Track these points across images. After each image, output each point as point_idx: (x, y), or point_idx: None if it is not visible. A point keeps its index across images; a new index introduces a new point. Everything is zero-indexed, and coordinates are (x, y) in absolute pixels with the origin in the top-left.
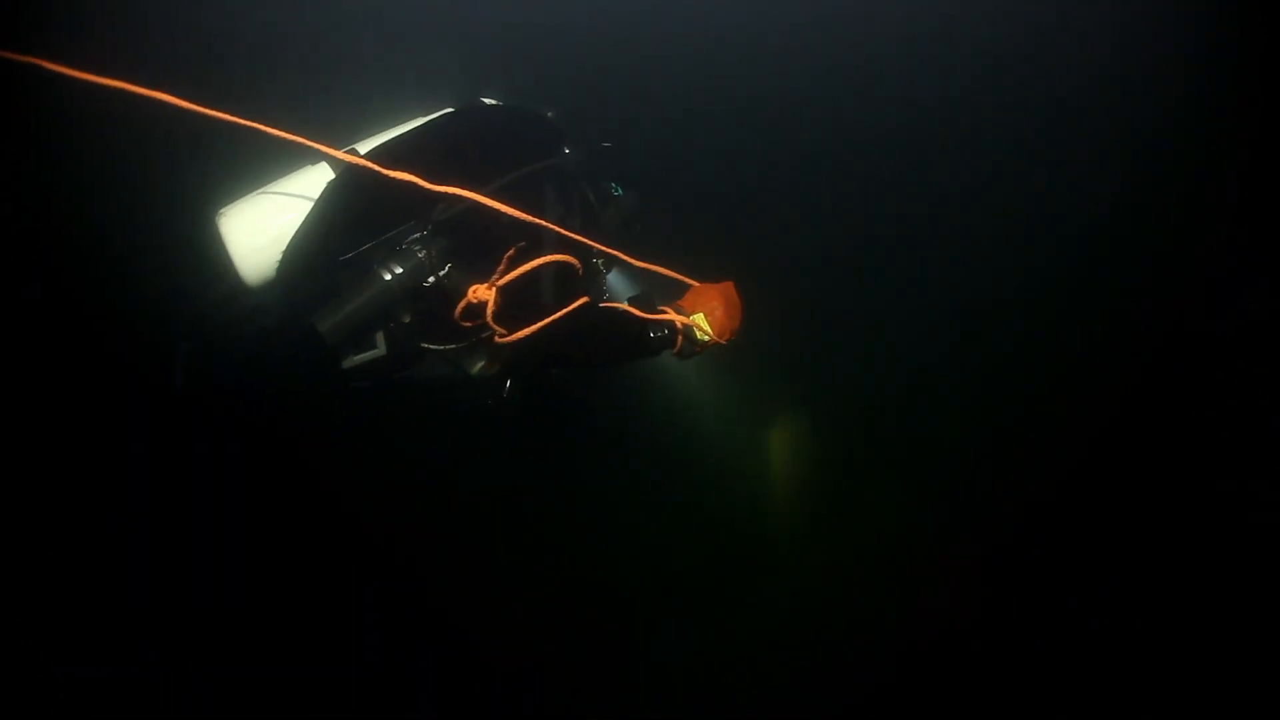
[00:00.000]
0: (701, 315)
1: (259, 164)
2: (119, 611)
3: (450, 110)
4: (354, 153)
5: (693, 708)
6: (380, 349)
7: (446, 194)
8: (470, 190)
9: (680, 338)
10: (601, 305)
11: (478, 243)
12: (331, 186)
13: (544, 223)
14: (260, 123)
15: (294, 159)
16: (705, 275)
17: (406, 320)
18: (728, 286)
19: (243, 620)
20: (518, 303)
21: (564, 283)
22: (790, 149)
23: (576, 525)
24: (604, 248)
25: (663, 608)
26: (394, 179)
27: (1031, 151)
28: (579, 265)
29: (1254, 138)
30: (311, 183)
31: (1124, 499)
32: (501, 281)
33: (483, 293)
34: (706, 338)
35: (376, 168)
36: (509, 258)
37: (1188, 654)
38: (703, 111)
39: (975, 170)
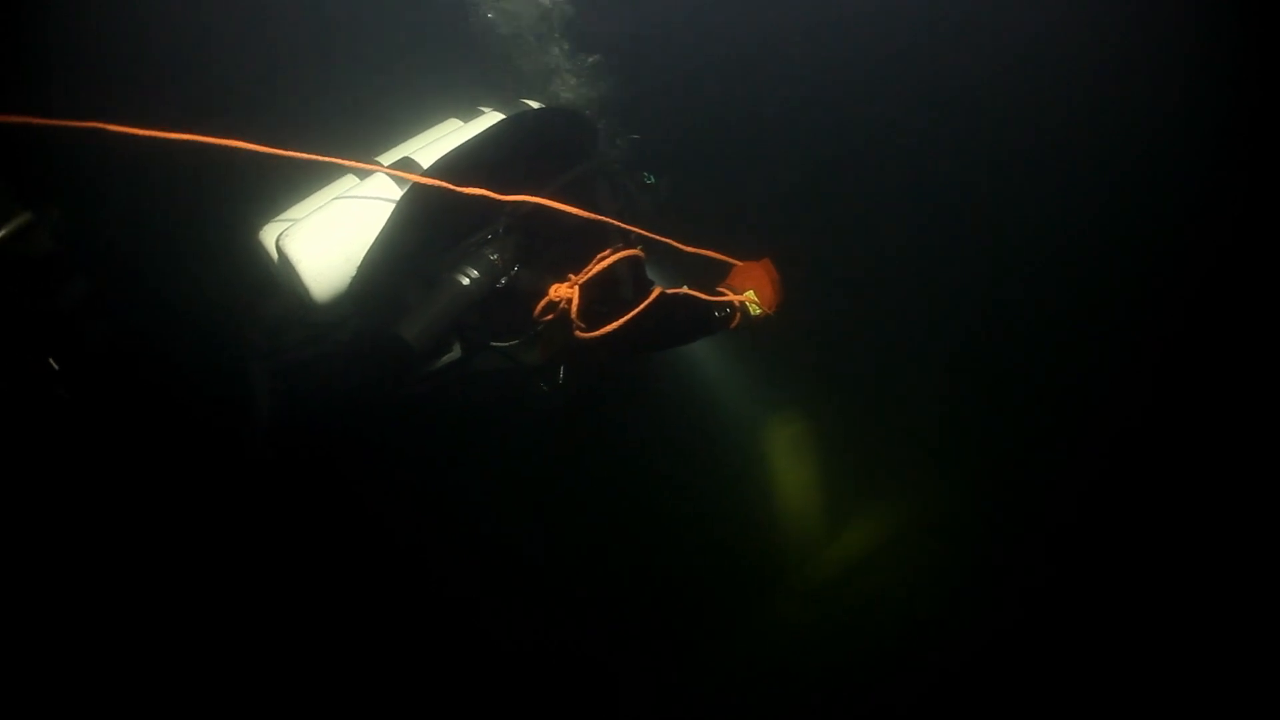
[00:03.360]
0: (752, 291)
1: (300, 179)
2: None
3: (504, 119)
4: (410, 164)
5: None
6: (456, 352)
7: (511, 200)
8: (532, 192)
9: (739, 314)
10: (670, 292)
11: (543, 242)
12: (406, 204)
13: (608, 220)
14: (311, 152)
15: (335, 174)
16: (740, 254)
17: (476, 321)
18: (767, 263)
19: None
20: (598, 299)
21: (637, 275)
22: (803, 147)
23: (619, 516)
24: (660, 237)
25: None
26: (464, 191)
27: (1036, 152)
28: (645, 256)
29: (1255, 138)
30: (373, 197)
31: (1135, 501)
32: (582, 279)
33: (564, 291)
34: (758, 311)
35: (449, 185)
36: (598, 257)
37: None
38: (722, 102)
39: (989, 168)
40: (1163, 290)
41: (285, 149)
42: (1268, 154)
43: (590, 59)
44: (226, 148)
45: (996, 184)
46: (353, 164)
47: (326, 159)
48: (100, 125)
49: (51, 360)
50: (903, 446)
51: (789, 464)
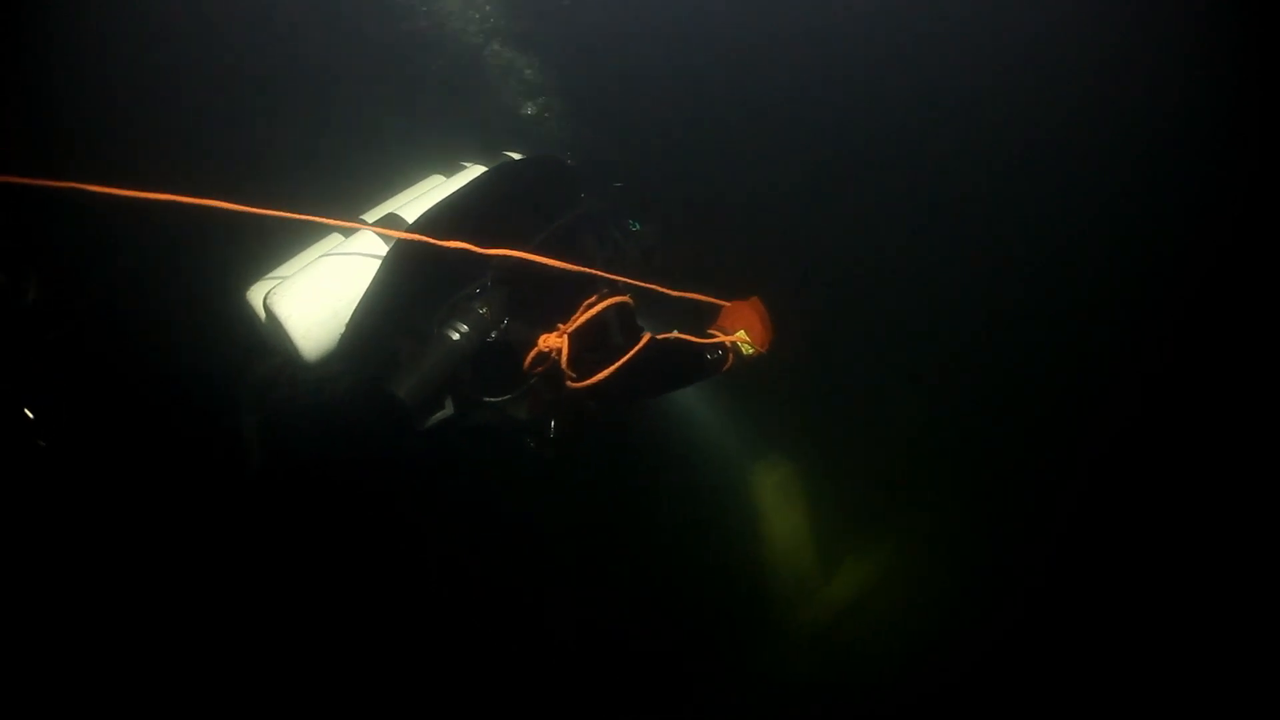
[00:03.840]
0: (743, 331)
1: (285, 238)
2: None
3: (487, 171)
4: (395, 220)
5: None
6: (449, 409)
7: (495, 254)
8: (518, 244)
9: (731, 355)
10: (661, 337)
11: (532, 293)
12: (392, 260)
13: (594, 271)
14: (295, 211)
15: (320, 231)
16: (728, 294)
17: (468, 377)
18: (756, 301)
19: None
20: (588, 347)
21: (626, 322)
22: (791, 156)
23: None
24: (647, 284)
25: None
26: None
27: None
28: (634, 303)
29: (1257, 138)
30: (360, 253)
31: (1137, 503)
32: (571, 329)
33: (554, 341)
34: (750, 351)
35: (432, 241)
36: (585, 304)
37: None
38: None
39: (982, 173)
40: (1163, 291)
41: (269, 209)
42: (1268, 154)
43: (562, 103)
44: (210, 207)
45: (996, 187)
46: (338, 223)
47: (311, 218)
48: (79, 186)
49: (27, 410)
50: (894, 477)
51: (779, 508)
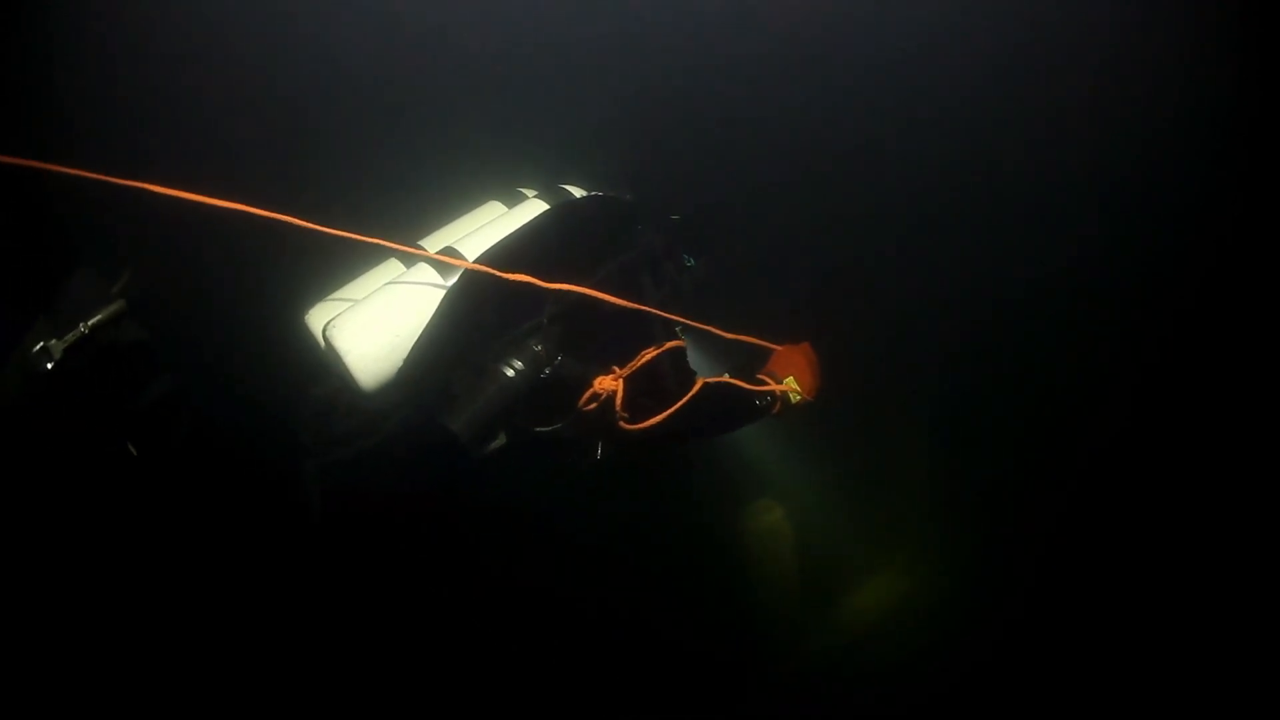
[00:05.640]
0: (792, 378)
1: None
2: None
3: (547, 211)
4: (453, 253)
5: None
6: (502, 439)
7: (557, 289)
8: (576, 282)
9: (779, 403)
10: (711, 382)
11: (586, 331)
12: (454, 294)
13: (652, 310)
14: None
15: (379, 254)
16: (780, 337)
17: (522, 410)
18: (807, 347)
19: None
20: (642, 390)
21: (680, 366)
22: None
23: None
24: (703, 325)
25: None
26: (512, 281)
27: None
28: (687, 346)
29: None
30: (419, 283)
31: (1138, 503)
32: (626, 372)
33: (609, 384)
34: (798, 398)
35: (496, 271)
36: (642, 354)
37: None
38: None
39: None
40: (1160, 293)
41: (334, 228)
42: (1268, 154)
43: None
44: (274, 223)
45: (994, 191)
46: (403, 248)
47: (377, 241)
48: (143, 185)
49: (130, 446)
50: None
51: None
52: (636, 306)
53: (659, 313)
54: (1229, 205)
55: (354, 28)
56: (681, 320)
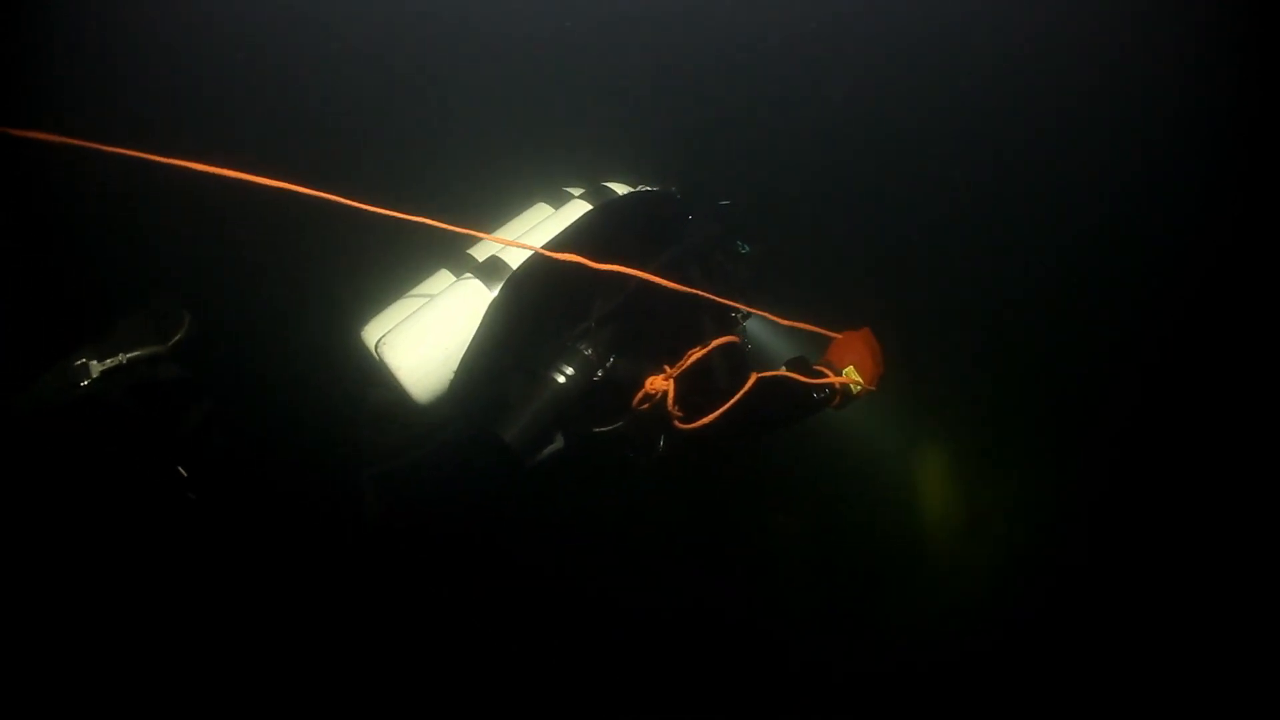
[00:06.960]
0: (852, 368)
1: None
2: None
3: (592, 210)
4: (498, 261)
5: None
6: (558, 443)
7: (605, 286)
8: (626, 280)
9: (839, 395)
10: (766, 376)
11: (635, 331)
12: (501, 302)
13: (708, 294)
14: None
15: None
16: (839, 325)
17: (577, 413)
18: (867, 334)
19: None
20: (694, 388)
21: (733, 362)
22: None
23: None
24: (758, 311)
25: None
26: (562, 280)
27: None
28: (740, 340)
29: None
30: (467, 296)
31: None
32: (677, 371)
33: (660, 384)
34: (859, 388)
35: (548, 253)
36: (690, 353)
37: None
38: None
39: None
40: (1161, 293)
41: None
42: (1268, 154)
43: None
44: (331, 207)
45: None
46: (472, 233)
47: (439, 224)
48: (190, 165)
49: (180, 469)
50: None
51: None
52: (692, 291)
53: (714, 297)
54: (1229, 205)
55: (386, 30)
56: (738, 307)
